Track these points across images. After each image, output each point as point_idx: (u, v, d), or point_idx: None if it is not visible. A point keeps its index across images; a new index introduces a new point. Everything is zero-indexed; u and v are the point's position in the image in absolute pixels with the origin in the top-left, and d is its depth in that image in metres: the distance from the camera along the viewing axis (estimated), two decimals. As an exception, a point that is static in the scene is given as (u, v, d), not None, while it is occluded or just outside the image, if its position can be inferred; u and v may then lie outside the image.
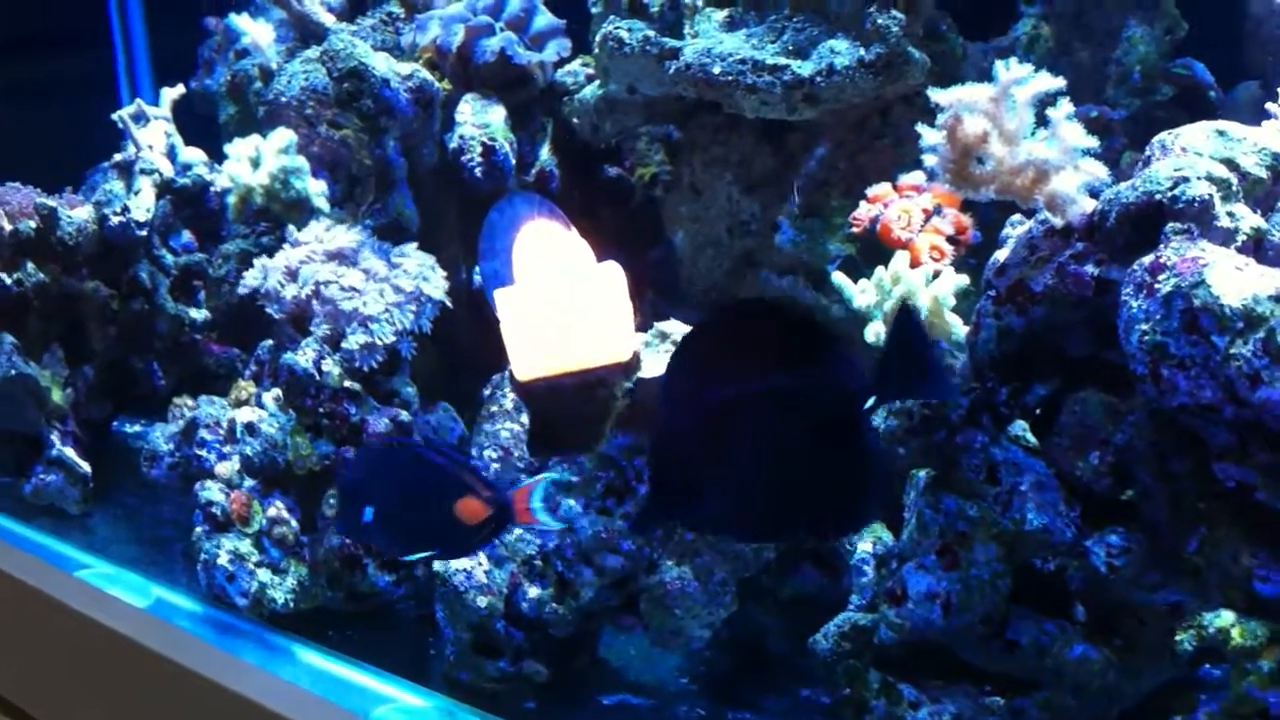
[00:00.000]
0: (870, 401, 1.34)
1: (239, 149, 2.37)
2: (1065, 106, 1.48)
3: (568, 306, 1.49)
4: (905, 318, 1.38)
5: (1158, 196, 1.43)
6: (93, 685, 2.10)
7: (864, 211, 2.05)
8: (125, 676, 2.00)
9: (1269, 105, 1.68)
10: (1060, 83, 1.48)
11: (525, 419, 1.63)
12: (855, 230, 2.06)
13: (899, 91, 2.07)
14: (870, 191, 2.05)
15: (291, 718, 1.71)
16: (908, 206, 1.99)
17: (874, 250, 2.01)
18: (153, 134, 2.77)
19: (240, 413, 2.18)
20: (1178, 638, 1.56)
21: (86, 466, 2.62)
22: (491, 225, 1.58)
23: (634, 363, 1.55)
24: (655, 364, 1.80)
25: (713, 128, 2.28)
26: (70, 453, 2.61)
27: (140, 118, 2.78)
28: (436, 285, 2.22)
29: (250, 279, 2.27)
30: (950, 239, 1.97)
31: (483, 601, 1.86)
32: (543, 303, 1.50)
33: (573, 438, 1.57)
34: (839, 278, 1.93)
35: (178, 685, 1.88)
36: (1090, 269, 1.51)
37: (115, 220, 2.64)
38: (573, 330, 1.49)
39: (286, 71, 2.47)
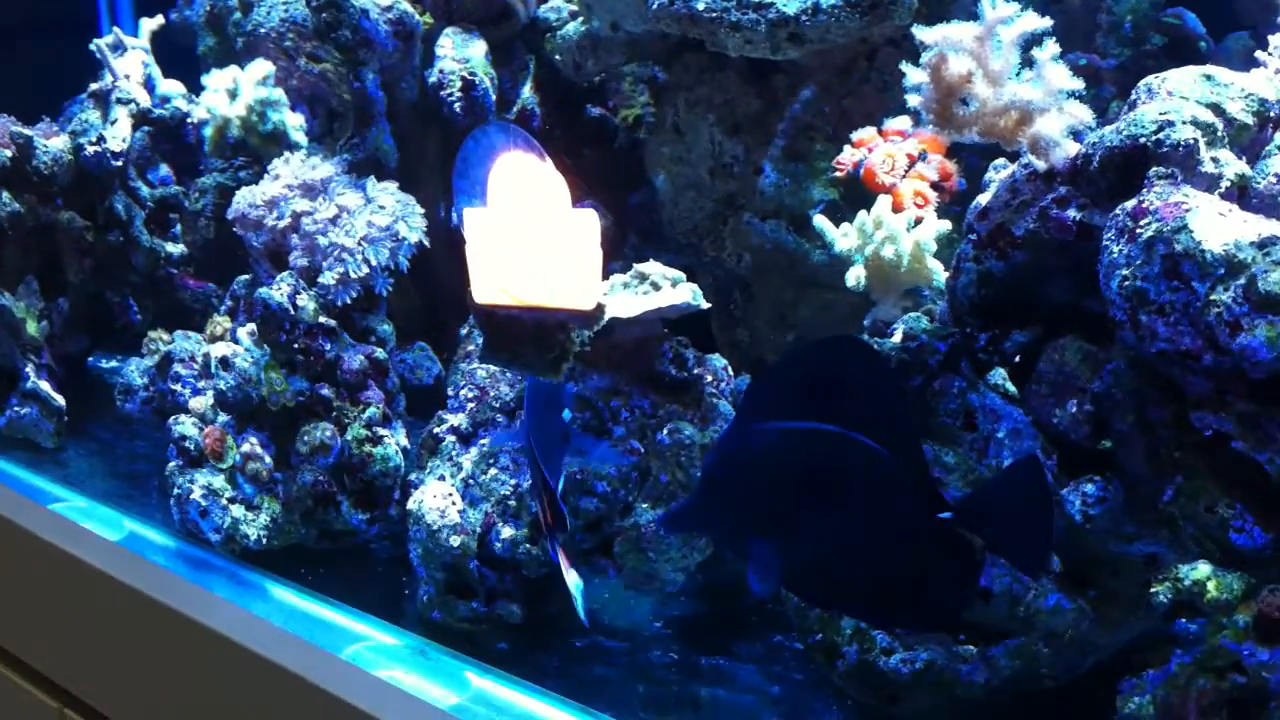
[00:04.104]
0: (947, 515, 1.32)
1: (216, 80, 2.34)
2: (1051, 48, 1.45)
3: (538, 241, 1.46)
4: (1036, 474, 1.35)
5: (1142, 140, 1.41)
6: (65, 618, 2.09)
7: (848, 156, 2.03)
8: (97, 610, 2.00)
9: (1258, 54, 1.66)
10: (1047, 23, 1.46)
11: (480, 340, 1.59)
12: (839, 175, 2.04)
13: (886, 33, 2.04)
14: (855, 136, 2.03)
15: (263, 654, 1.71)
16: (892, 151, 1.97)
17: (858, 195, 1.99)
18: (130, 64, 2.73)
19: (215, 348, 2.15)
20: (1153, 589, 1.55)
21: (61, 400, 2.59)
22: (466, 157, 1.54)
23: (597, 313, 1.51)
24: (631, 305, 1.78)
25: (697, 67, 2.25)
26: (45, 386, 2.58)
27: (118, 47, 2.74)
28: (414, 224, 2.19)
29: (240, 202, 2.25)
30: (934, 185, 1.95)
31: (456, 541, 1.85)
32: (513, 230, 1.46)
33: (521, 360, 1.54)
34: (821, 222, 1.91)
35: (150, 619, 1.88)
36: (1072, 213, 1.49)
37: (91, 150, 2.60)
38: (539, 267, 1.45)
39: (265, 3, 2.43)
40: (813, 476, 1.35)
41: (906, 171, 1.96)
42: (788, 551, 1.37)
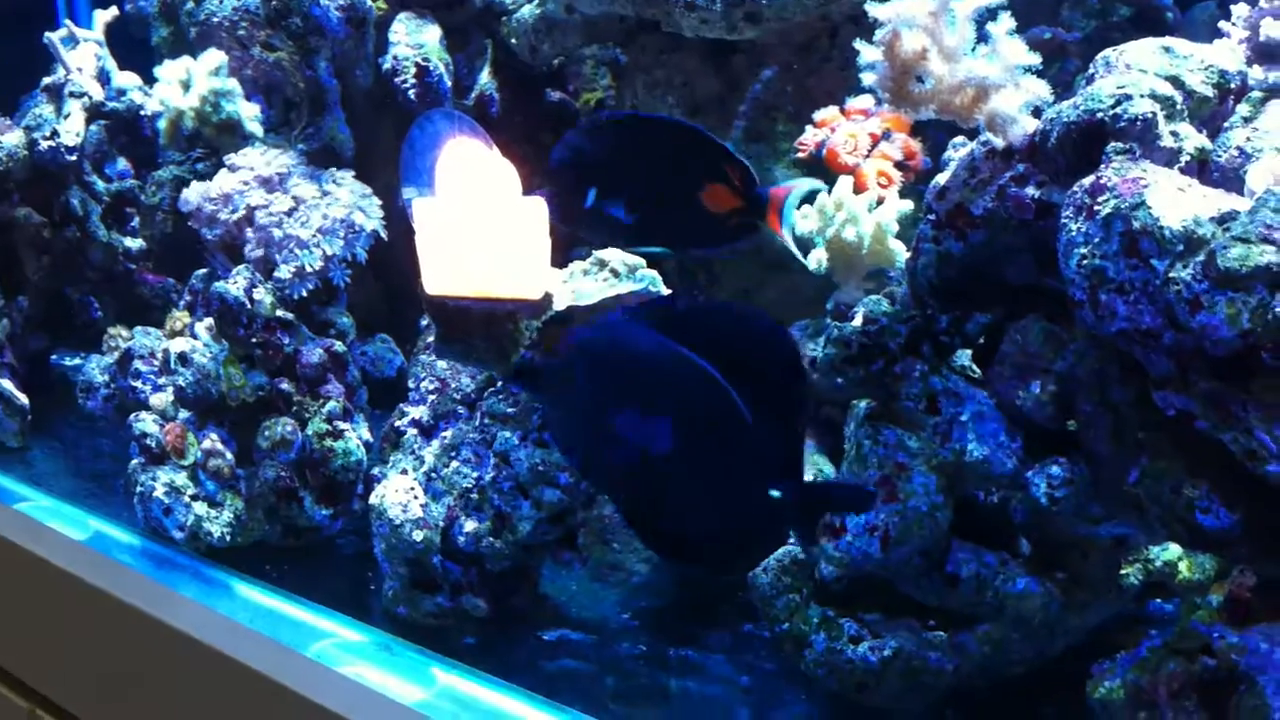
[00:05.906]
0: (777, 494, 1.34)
1: (169, 71, 2.31)
2: (1006, 22, 1.42)
3: (485, 230, 1.43)
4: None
5: (1099, 115, 1.38)
6: (33, 619, 2.08)
7: (810, 136, 2.01)
8: (65, 610, 1.98)
9: (1222, 24, 1.63)
10: (1003, -4, 1.43)
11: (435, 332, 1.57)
12: (801, 155, 2.02)
13: (846, 11, 2.01)
14: (817, 115, 2.01)
15: (228, 653, 1.69)
16: (855, 131, 1.95)
17: (821, 175, 1.97)
18: (83, 57, 2.70)
19: (174, 343, 2.13)
20: (1124, 571, 1.54)
21: (24, 399, 2.56)
22: (411, 144, 1.53)
23: (545, 302, 1.49)
24: (589, 291, 1.75)
25: (655, 49, 2.22)
26: (8, 385, 2.56)
27: (70, 40, 2.71)
28: (371, 214, 2.17)
29: (190, 196, 2.21)
30: (899, 164, 1.93)
31: (419, 536, 1.83)
32: (461, 220, 1.44)
33: (476, 353, 1.52)
34: (781, 204, 1.89)
35: (117, 619, 1.86)
36: (1031, 191, 1.46)
37: (45, 145, 2.58)
38: (487, 256, 1.43)
39: (218, -9, 2.40)
40: (668, 398, 1.34)
41: (870, 151, 1.93)
42: (615, 455, 1.38)
